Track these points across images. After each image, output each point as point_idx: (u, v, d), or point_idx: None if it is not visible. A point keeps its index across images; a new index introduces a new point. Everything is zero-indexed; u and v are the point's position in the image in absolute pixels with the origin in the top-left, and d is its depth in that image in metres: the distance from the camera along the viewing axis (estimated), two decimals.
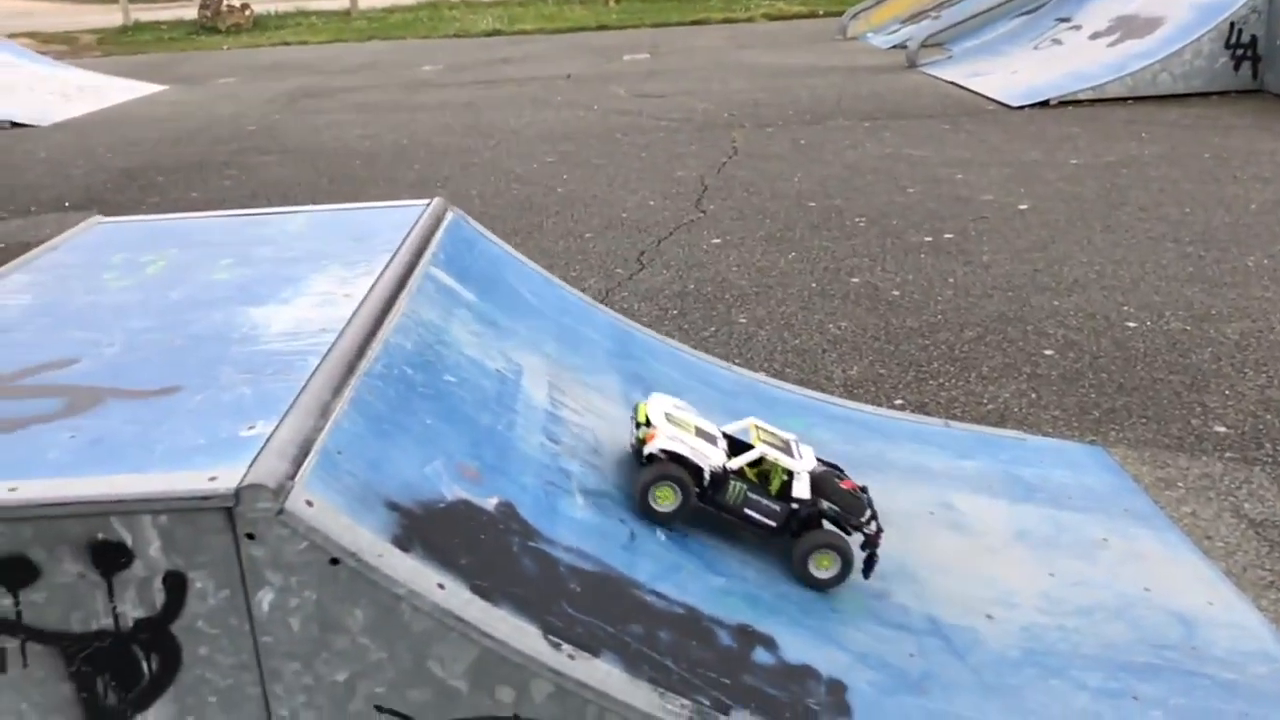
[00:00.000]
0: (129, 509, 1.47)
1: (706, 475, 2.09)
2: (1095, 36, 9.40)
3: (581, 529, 1.94)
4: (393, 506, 1.65)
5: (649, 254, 5.28)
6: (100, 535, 1.49)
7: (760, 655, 1.84)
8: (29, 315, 2.22)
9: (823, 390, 3.46)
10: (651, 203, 6.25)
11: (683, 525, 2.10)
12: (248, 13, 19.12)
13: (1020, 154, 6.93)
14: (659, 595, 1.87)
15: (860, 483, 2.29)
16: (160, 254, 2.62)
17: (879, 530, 2.17)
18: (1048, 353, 3.90)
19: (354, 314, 2.11)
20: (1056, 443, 3.14)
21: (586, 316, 2.94)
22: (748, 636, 1.87)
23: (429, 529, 1.66)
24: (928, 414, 3.39)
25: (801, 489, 2.12)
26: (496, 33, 17.10)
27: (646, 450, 2.11)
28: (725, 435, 2.25)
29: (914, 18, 13.16)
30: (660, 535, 2.06)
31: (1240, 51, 8.23)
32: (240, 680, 1.56)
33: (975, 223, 5.52)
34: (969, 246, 5.15)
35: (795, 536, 2.12)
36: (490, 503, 1.84)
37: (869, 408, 3.23)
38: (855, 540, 2.16)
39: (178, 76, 13.40)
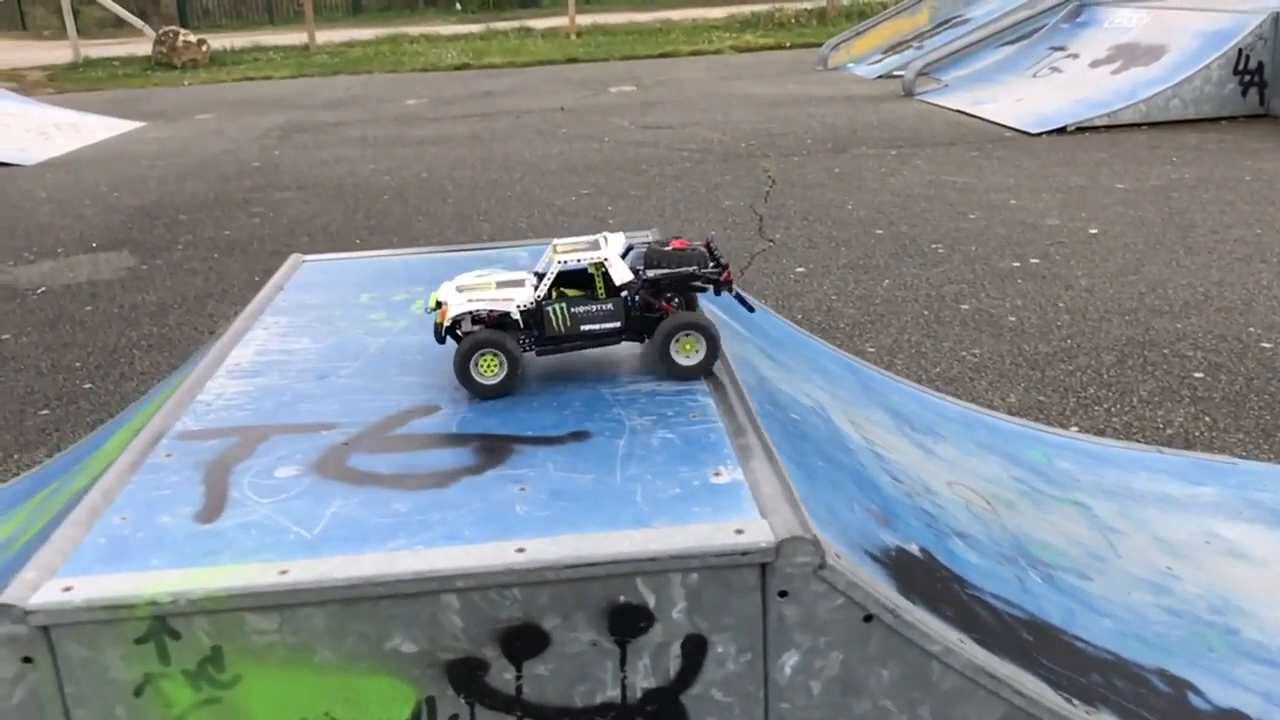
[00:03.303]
0: (660, 568, 1.35)
1: (516, 317, 1.88)
2: (1096, 64, 9.59)
3: (979, 573, 1.85)
4: (871, 557, 1.55)
5: (737, 284, 5.19)
6: (622, 598, 1.36)
7: (1196, 700, 1.76)
8: (329, 359, 2.08)
9: None
10: (713, 232, 6.17)
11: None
12: (204, 49, 18.76)
13: (1063, 179, 7.00)
14: (1082, 640, 1.78)
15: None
16: (406, 290, 2.49)
17: (724, 268, 1.96)
18: (1198, 375, 3.89)
19: None
20: (1272, 467, 3.12)
21: (815, 348, 2.85)
22: (1171, 681, 1.79)
23: (907, 580, 1.56)
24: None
25: (620, 274, 1.88)
26: (465, 66, 16.99)
27: (445, 327, 1.90)
28: (540, 275, 1.95)
29: (895, 48, 13.34)
30: (1033, 575, 1.98)
31: (1248, 77, 8.44)
32: None
33: (1054, 247, 5.54)
34: (1061, 271, 5.16)
35: (649, 329, 1.90)
36: (914, 549, 1.74)
37: (1086, 436, 3.18)
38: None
39: (150, 113, 13.05)
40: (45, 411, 4.15)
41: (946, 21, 13.33)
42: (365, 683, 1.37)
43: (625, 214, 6.79)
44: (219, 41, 19.68)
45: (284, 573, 1.34)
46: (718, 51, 17.18)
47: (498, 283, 1.96)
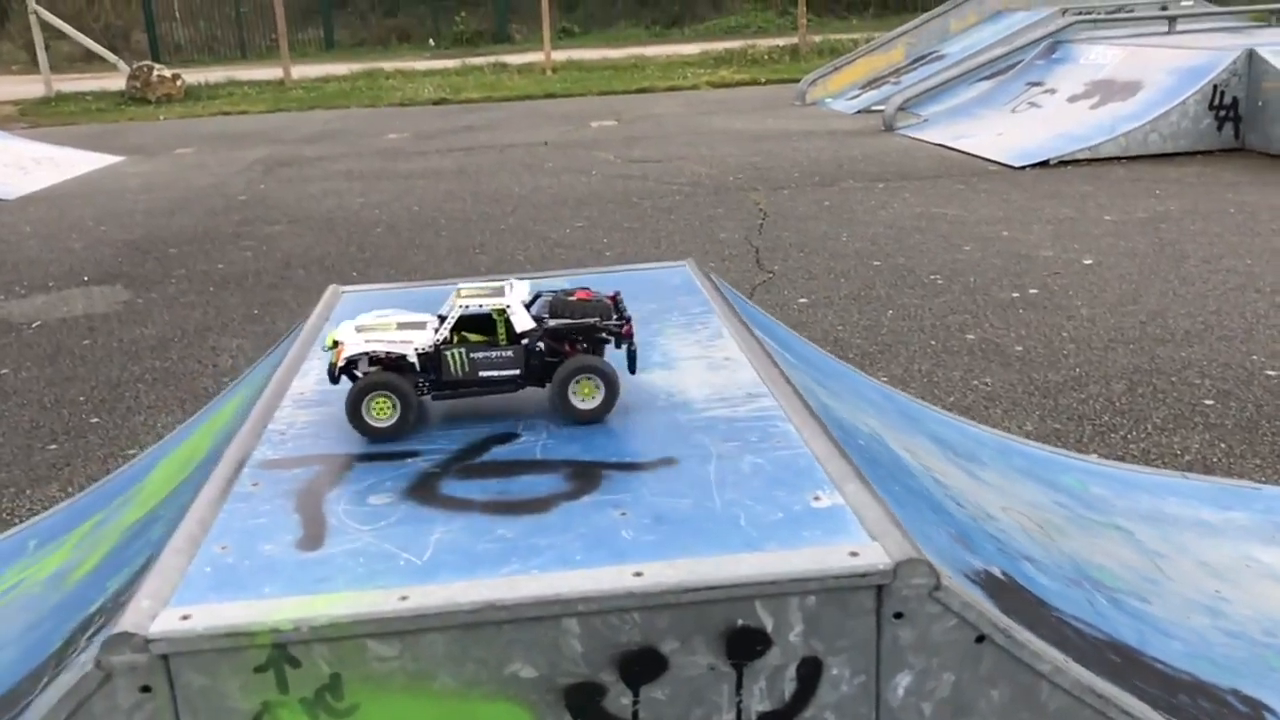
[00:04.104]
0: (779, 591, 1.36)
1: (413, 360, 1.85)
2: (1074, 100, 9.77)
3: (1055, 596, 1.86)
4: (966, 578, 1.56)
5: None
6: (741, 621, 1.37)
7: None
8: None
9: None
10: (711, 264, 6.21)
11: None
12: (179, 83, 18.69)
13: (1051, 211, 7.11)
14: (1159, 661, 1.80)
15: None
16: None
17: (626, 321, 1.94)
18: (1208, 402, 3.95)
19: (763, 377, 2.02)
20: None
21: (855, 378, 2.88)
22: (1246, 701, 1.82)
23: (999, 602, 1.58)
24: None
25: (522, 321, 1.86)
26: (443, 101, 17.03)
27: (339, 367, 1.86)
28: (443, 317, 1.92)
29: (872, 83, 13.53)
30: (1099, 598, 2.00)
31: (1223, 113, 8.63)
32: None
33: (1051, 278, 5.62)
34: (1060, 301, 5.23)
35: (548, 376, 1.88)
36: (995, 571, 1.76)
37: (1112, 462, 3.22)
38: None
39: (128, 147, 12.97)
40: (53, 446, 4.10)
41: (922, 58, 13.54)
42: (483, 709, 1.36)
43: (621, 246, 6.82)
44: (193, 76, 19.63)
45: (404, 599, 1.34)
46: (694, 87, 17.33)
47: (399, 324, 1.93)
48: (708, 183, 8.84)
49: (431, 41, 28.13)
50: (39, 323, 5.75)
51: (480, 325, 1.91)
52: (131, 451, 3.99)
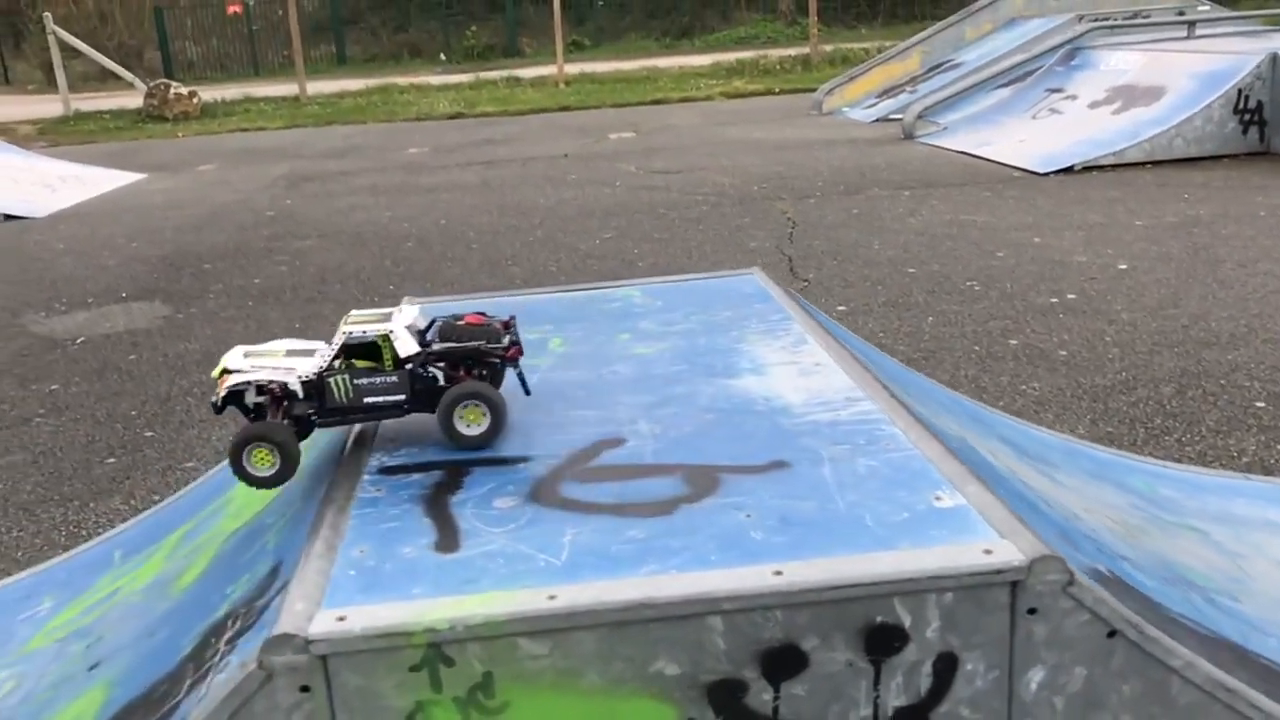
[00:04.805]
0: (917, 588, 1.38)
1: (296, 388, 1.83)
2: (1095, 105, 9.80)
3: (1158, 594, 1.89)
4: (1094, 576, 1.59)
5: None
6: (879, 618, 1.40)
7: None
8: None
9: None
10: None
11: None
12: (195, 100, 18.82)
13: (1080, 217, 7.14)
14: (1265, 659, 1.82)
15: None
16: (535, 330, 2.52)
17: (513, 344, 1.93)
18: (1260, 404, 3.97)
19: (857, 382, 2.05)
20: None
21: (925, 383, 2.91)
22: None
23: (1119, 598, 1.60)
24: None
25: (405, 346, 1.84)
26: (459, 115, 17.13)
27: (217, 398, 1.85)
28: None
29: (888, 92, 13.57)
30: (1195, 597, 2.02)
31: (1248, 116, 8.65)
32: None
33: (1087, 283, 5.64)
34: (1100, 306, 5.25)
35: (435, 401, 1.87)
36: (1102, 569, 1.78)
37: (1175, 464, 3.24)
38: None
39: (149, 165, 13.05)
40: (111, 460, 4.14)
41: (938, 66, 13.58)
42: (629, 706, 1.39)
43: (653, 256, 6.86)
44: (208, 93, 19.77)
45: (553, 598, 1.37)
46: (708, 98, 17.41)
47: (288, 350, 1.92)
48: (732, 193, 8.88)
49: (443, 56, 28.28)
50: (83, 338, 5.80)
51: (369, 352, 1.90)
52: (189, 464, 4.03)
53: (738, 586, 1.38)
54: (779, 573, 1.40)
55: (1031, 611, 1.41)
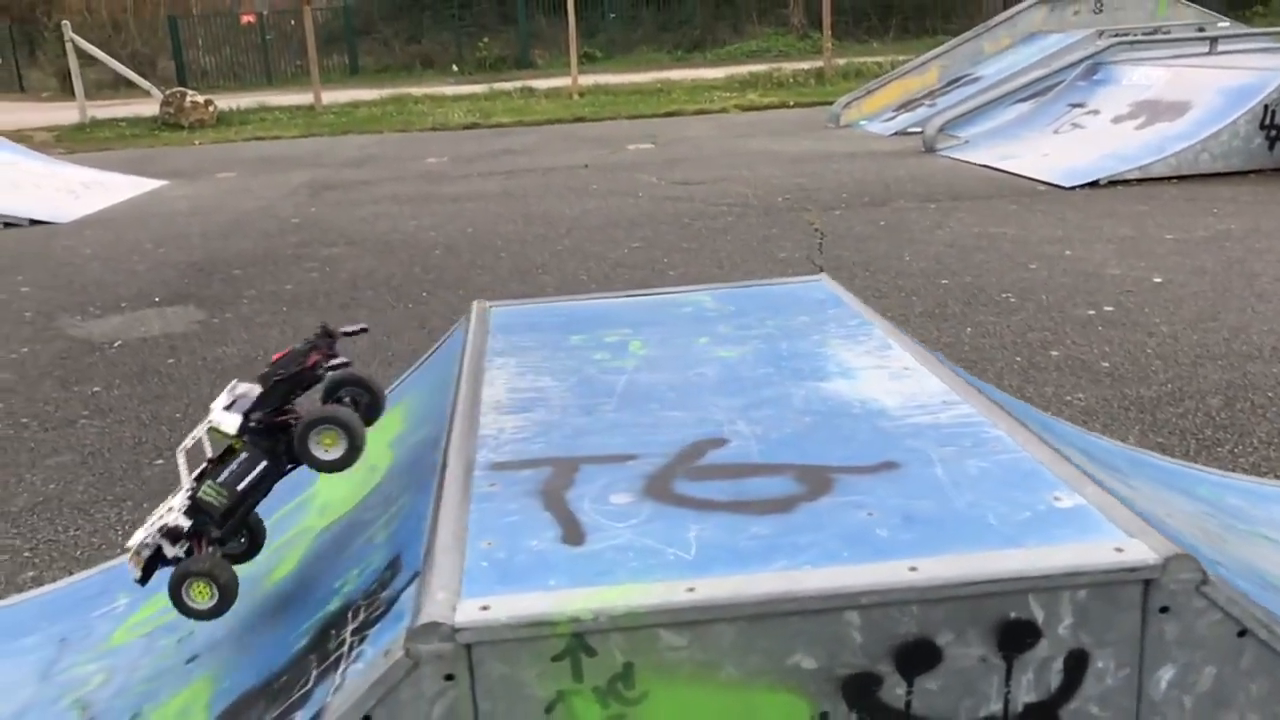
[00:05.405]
0: (1052, 585, 1.39)
1: (186, 525, 1.85)
2: (1118, 120, 9.82)
3: (1257, 598, 1.89)
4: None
5: None
6: (1013, 614, 1.41)
7: None
8: (583, 396, 2.12)
9: None
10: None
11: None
12: (211, 109, 18.89)
13: (1110, 230, 7.15)
14: None
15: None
16: (614, 333, 2.54)
17: (313, 350, 1.93)
18: None
19: (950, 386, 2.06)
20: None
21: (988, 389, 2.91)
22: None
23: None
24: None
25: (228, 424, 1.87)
26: (475, 125, 17.18)
27: (137, 576, 1.89)
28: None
29: (906, 105, 13.61)
30: None
31: (1274, 132, 8.67)
32: None
33: (1123, 296, 5.65)
34: (1138, 318, 5.26)
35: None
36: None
37: (1235, 475, 3.24)
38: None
39: (168, 172, 13.09)
40: (160, 461, 4.15)
41: (956, 80, 13.62)
42: (764, 699, 1.40)
43: (683, 266, 6.88)
44: (222, 102, 19.81)
45: (691, 590, 1.38)
46: (723, 110, 17.45)
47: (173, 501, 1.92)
48: (756, 204, 8.90)
49: (455, 67, 28.37)
50: (120, 342, 5.82)
51: (222, 450, 1.92)
52: None
53: (875, 581, 1.39)
54: (914, 569, 1.41)
55: (1164, 610, 1.42)
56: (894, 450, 1.79)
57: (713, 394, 2.09)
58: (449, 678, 1.35)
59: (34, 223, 9.76)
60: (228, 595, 1.81)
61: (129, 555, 1.90)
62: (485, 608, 1.36)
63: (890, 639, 1.40)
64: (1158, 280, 5.92)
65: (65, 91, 23.79)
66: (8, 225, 9.63)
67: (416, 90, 22.09)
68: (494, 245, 7.88)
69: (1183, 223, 7.25)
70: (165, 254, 8.20)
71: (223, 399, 1.93)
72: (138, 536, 1.89)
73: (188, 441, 1.90)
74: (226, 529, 1.88)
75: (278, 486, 2.74)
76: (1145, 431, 3.93)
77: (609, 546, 1.51)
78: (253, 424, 1.88)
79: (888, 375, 2.15)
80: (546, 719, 1.38)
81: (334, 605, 1.72)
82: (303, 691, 1.51)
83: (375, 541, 1.85)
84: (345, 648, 1.52)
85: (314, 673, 1.54)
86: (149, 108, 19.52)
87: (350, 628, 1.57)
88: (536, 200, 9.72)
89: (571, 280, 6.73)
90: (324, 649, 1.59)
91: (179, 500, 1.88)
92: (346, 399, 1.96)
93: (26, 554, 3.46)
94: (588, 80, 21.43)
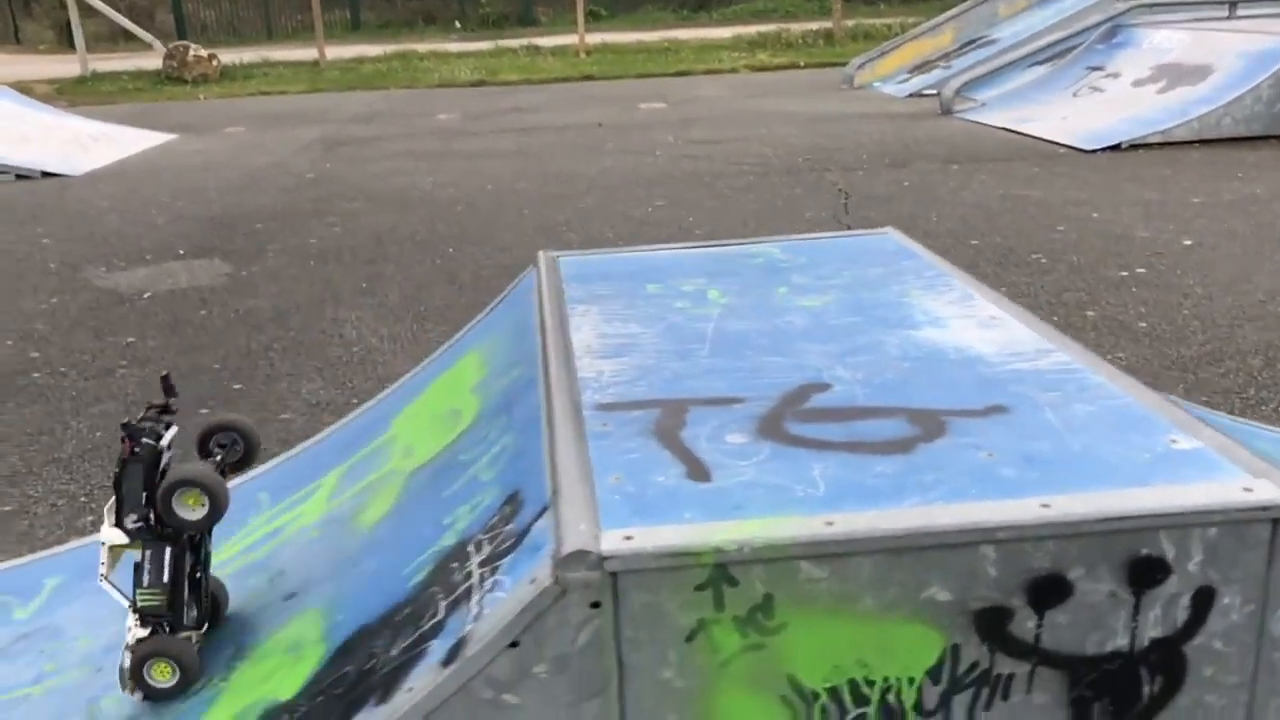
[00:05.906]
0: (1184, 522, 1.42)
1: (143, 634, 1.95)
2: (1139, 84, 9.79)
3: None
4: None
5: None
6: (1144, 551, 1.43)
7: None
8: (675, 341, 2.13)
9: None
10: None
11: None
12: (215, 63, 18.73)
13: (1135, 194, 7.15)
14: None
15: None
16: (689, 281, 2.54)
17: (147, 432, 2.00)
18: None
19: (1041, 334, 2.08)
20: None
21: None
22: None
23: None
24: None
25: (114, 538, 1.96)
26: (482, 83, 17.07)
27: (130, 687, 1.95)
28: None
29: (920, 67, 13.54)
30: None
31: None
32: (1233, 701, 1.50)
33: (1154, 258, 5.66)
34: (1171, 280, 5.27)
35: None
36: None
37: None
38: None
39: (176, 125, 13.00)
40: (205, 411, 4.16)
41: (972, 42, 13.55)
42: (899, 630, 1.42)
43: (710, 224, 6.87)
44: (225, 56, 19.62)
45: (830, 524, 1.40)
46: (733, 70, 17.34)
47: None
48: (777, 163, 8.87)
49: (457, 24, 28.10)
50: (149, 294, 5.82)
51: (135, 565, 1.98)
52: (285, 416, 4.06)
53: (1011, 517, 1.41)
54: (1047, 505, 1.43)
55: None
56: (1000, 395, 1.81)
57: (805, 341, 2.11)
58: (595, 605, 1.37)
59: (46, 175, 9.69)
60: (188, 681, 1.89)
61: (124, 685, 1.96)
62: (629, 538, 1.38)
63: (1023, 573, 1.42)
64: (1188, 243, 5.92)
65: (62, 44, 23.59)
66: (19, 177, 9.57)
67: (420, 47, 21.89)
68: (514, 203, 7.86)
69: (1208, 186, 7.24)
70: (184, 207, 8.16)
71: (107, 519, 2.00)
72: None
73: (102, 569, 1.98)
74: (182, 613, 1.96)
75: (337, 435, 2.75)
76: (1189, 391, 3.95)
77: (737, 483, 1.52)
78: (130, 527, 1.95)
79: (976, 324, 2.17)
80: (687, 647, 1.40)
81: (448, 541, 1.74)
82: (433, 622, 1.53)
83: (482, 480, 1.86)
84: (475, 579, 1.54)
85: (442, 604, 1.56)
86: (150, 61, 19.34)
87: (476, 560, 1.59)
88: (551, 158, 9.68)
89: (597, 238, 6.72)
90: (448, 581, 1.61)
91: (129, 620, 1.97)
92: (215, 447, 2.11)
93: (83, 499, 3.48)
94: (594, 39, 21.24)
